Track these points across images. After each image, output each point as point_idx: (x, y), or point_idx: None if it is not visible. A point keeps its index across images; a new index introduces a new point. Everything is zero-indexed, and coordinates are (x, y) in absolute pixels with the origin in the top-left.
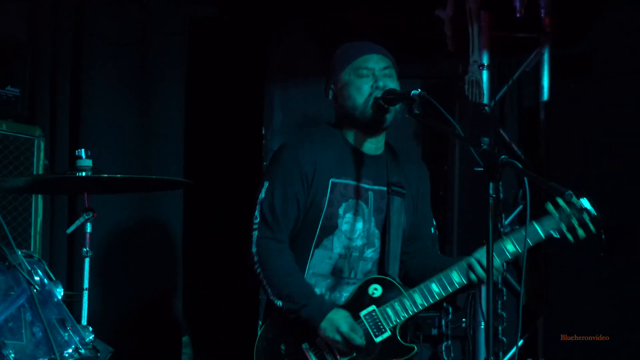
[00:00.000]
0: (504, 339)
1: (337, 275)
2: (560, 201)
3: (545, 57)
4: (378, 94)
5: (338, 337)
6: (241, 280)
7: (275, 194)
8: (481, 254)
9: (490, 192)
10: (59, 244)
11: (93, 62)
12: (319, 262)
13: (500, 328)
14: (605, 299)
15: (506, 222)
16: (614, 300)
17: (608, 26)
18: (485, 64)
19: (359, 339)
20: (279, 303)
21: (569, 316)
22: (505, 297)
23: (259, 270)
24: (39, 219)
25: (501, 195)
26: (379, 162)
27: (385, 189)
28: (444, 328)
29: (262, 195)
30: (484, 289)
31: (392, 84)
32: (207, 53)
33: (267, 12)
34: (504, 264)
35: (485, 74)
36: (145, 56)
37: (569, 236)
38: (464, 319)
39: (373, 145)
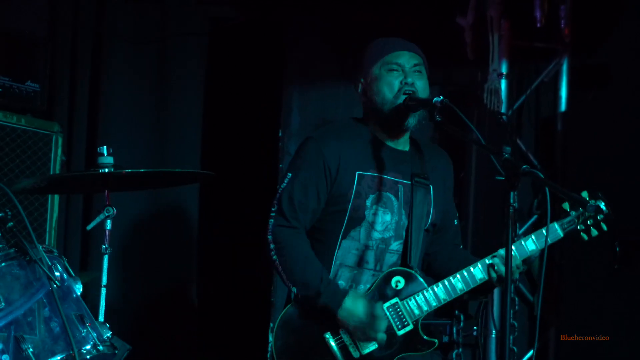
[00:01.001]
0: (515, 349)
1: (364, 267)
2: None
3: (564, 67)
4: (407, 90)
5: (357, 327)
6: (254, 277)
7: (296, 185)
8: (502, 252)
9: (511, 201)
10: (73, 240)
11: (112, 60)
12: (346, 252)
13: (511, 337)
14: (617, 308)
15: (520, 231)
16: (625, 309)
17: (626, 37)
18: (504, 73)
19: (379, 332)
20: (294, 290)
21: (580, 324)
22: (517, 307)
23: (274, 257)
24: (55, 214)
25: (516, 204)
26: (406, 157)
27: (409, 183)
28: (455, 335)
29: (284, 185)
30: (496, 297)
31: (421, 82)
32: (226, 53)
33: (285, 13)
34: (521, 266)
35: (503, 83)
36: (164, 55)
37: (584, 235)
38: (475, 327)
39: (400, 140)
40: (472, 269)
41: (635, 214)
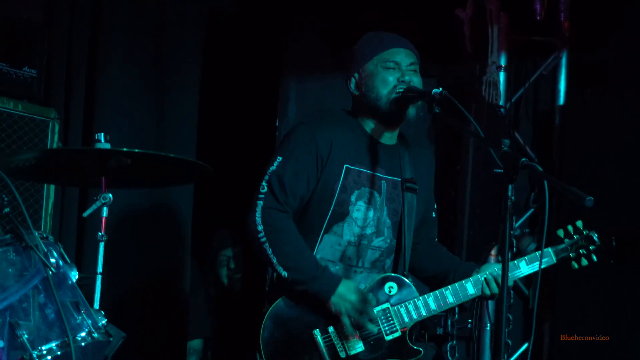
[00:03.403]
0: (509, 342)
1: (345, 262)
2: (570, 229)
3: (563, 61)
4: (402, 88)
5: (349, 310)
6: (249, 266)
7: (287, 169)
8: (495, 269)
9: (509, 194)
10: (69, 227)
11: (109, 47)
12: (328, 247)
13: (506, 330)
14: (612, 303)
15: (516, 224)
16: (620, 304)
17: (627, 34)
18: (503, 66)
19: (371, 312)
20: (285, 274)
21: (575, 320)
22: (512, 300)
23: (263, 239)
24: (51, 201)
25: (513, 197)
26: (393, 152)
27: (399, 179)
28: (449, 328)
29: (274, 167)
30: None
31: (417, 80)
32: (223, 43)
33: (283, 4)
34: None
35: (502, 76)
36: (161, 44)
37: (574, 264)
38: (470, 320)
39: (389, 135)
40: (465, 284)
41: (631, 209)
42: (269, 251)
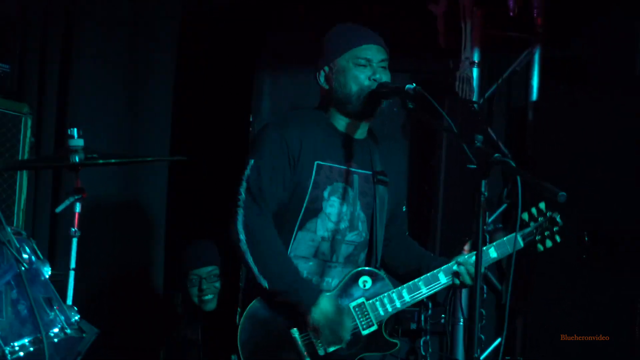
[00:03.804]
0: (482, 337)
1: (319, 258)
2: (534, 211)
3: (536, 57)
4: (373, 85)
5: (327, 328)
6: (222, 261)
7: (262, 173)
8: (465, 258)
9: (482, 189)
10: (41, 222)
11: (83, 41)
12: (302, 244)
13: (479, 325)
14: (585, 299)
15: (489, 220)
16: (594, 300)
17: (599, 30)
18: (477, 61)
19: (347, 334)
20: (265, 283)
21: (550, 315)
22: (485, 295)
23: (244, 248)
24: (23, 196)
25: (486, 193)
26: (363, 146)
27: (370, 173)
28: (423, 323)
29: (248, 172)
30: None
31: (387, 77)
32: (198, 37)
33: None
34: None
35: (475, 71)
36: (135, 37)
37: (539, 246)
38: (443, 315)
39: (359, 130)
40: (437, 273)
41: (604, 205)
42: (250, 260)
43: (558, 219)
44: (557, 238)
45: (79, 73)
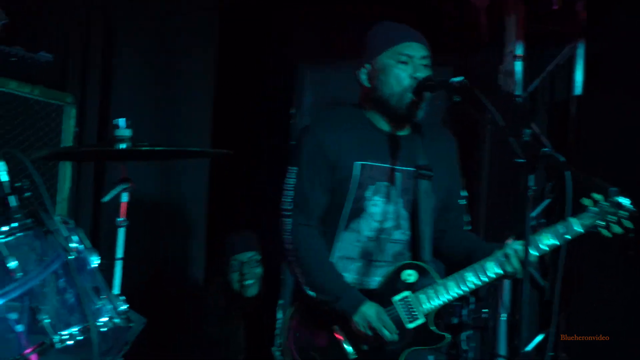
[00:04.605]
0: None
1: (366, 258)
2: (596, 196)
3: (579, 51)
4: (414, 84)
5: (370, 332)
6: (264, 255)
7: (304, 180)
8: (517, 245)
9: (531, 184)
10: (84, 212)
11: (125, 32)
12: (347, 245)
13: (527, 317)
14: (633, 297)
15: (532, 214)
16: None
17: None
18: (520, 55)
19: (389, 335)
20: (312, 293)
21: (590, 314)
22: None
23: (292, 259)
24: (67, 185)
25: (534, 187)
26: (405, 143)
27: (412, 169)
28: (464, 317)
29: (292, 180)
30: (507, 280)
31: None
32: (238, 28)
33: None
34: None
35: (518, 65)
36: (176, 29)
37: (605, 232)
38: (485, 310)
39: (400, 127)
40: (485, 263)
41: None
42: (297, 270)
43: (628, 204)
44: (627, 223)
45: (121, 64)
